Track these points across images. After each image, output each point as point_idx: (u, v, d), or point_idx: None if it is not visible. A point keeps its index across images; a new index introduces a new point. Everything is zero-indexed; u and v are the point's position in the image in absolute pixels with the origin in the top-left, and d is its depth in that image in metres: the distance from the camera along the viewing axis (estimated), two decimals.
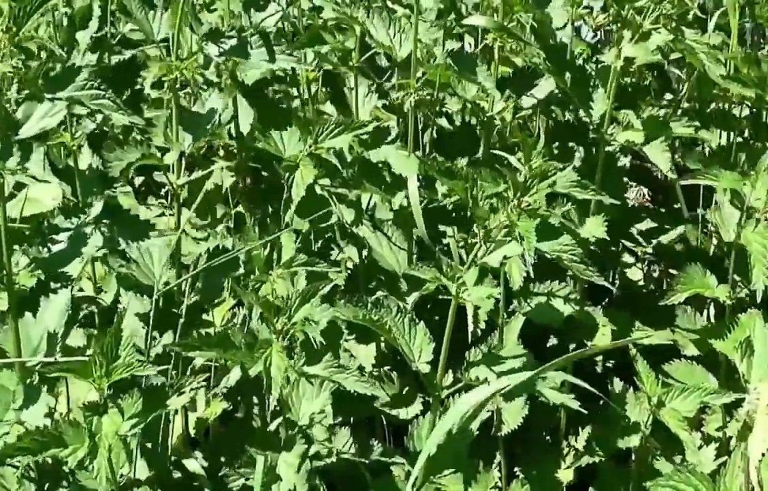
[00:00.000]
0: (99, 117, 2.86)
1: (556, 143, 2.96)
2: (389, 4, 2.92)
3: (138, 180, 3.25)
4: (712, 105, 3.05)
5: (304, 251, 2.56)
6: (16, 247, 2.40)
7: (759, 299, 2.40)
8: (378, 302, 2.43)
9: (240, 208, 3.04)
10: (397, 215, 2.90)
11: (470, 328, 2.22)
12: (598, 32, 3.06)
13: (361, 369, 2.69)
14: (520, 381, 2.20)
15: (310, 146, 2.65)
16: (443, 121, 3.14)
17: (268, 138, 2.75)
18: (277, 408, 2.39)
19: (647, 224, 3.01)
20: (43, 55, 2.84)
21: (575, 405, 2.41)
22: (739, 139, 2.98)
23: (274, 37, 2.91)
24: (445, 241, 2.84)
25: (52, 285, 2.41)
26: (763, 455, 1.92)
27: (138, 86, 3.10)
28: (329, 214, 2.82)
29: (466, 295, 2.24)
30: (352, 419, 2.67)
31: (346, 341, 2.72)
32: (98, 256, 2.57)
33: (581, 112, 2.82)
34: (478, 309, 2.30)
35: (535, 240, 2.16)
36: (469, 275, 2.26)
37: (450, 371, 2.41)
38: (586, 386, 2.18)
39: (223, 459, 2.54)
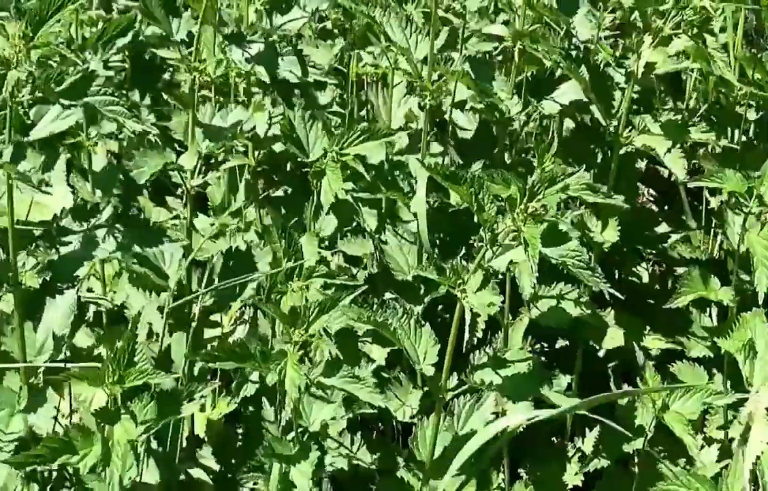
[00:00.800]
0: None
1: (575, 147, 2.95)
2: (441, 13, 2.93)
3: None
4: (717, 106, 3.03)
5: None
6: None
7: (761, 302, 2.39)
8: (384, 303, 2.41)
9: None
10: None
11: (466, 336, 2.19)
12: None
13: (380, 369, 2.70)
14: (543, 415, 2.19)
15: (336, 152, 2.65)
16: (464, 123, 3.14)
17: (293, 140, 2.76)
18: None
19: (663, 228, 2.98)
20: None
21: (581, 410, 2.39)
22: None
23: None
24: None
25: (58, 286, 2.37)
26: (758, 458, 1.93)
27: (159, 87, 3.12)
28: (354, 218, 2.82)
29: (465, 301, 2.22)
30: (360, 417, 2.67)
31: (362, 343, 2.71)
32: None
33: (598, 116, 2.80)
34: (478, 316, 2.28)
35: (540, 246, 2.12)
36: (474, 278, 2.24)
37: (455, 373, 2.40)
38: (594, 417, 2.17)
39: (234, 462, 2.56)
